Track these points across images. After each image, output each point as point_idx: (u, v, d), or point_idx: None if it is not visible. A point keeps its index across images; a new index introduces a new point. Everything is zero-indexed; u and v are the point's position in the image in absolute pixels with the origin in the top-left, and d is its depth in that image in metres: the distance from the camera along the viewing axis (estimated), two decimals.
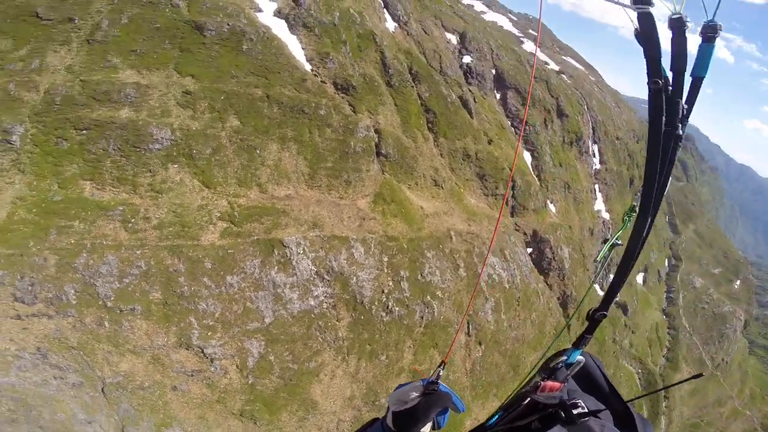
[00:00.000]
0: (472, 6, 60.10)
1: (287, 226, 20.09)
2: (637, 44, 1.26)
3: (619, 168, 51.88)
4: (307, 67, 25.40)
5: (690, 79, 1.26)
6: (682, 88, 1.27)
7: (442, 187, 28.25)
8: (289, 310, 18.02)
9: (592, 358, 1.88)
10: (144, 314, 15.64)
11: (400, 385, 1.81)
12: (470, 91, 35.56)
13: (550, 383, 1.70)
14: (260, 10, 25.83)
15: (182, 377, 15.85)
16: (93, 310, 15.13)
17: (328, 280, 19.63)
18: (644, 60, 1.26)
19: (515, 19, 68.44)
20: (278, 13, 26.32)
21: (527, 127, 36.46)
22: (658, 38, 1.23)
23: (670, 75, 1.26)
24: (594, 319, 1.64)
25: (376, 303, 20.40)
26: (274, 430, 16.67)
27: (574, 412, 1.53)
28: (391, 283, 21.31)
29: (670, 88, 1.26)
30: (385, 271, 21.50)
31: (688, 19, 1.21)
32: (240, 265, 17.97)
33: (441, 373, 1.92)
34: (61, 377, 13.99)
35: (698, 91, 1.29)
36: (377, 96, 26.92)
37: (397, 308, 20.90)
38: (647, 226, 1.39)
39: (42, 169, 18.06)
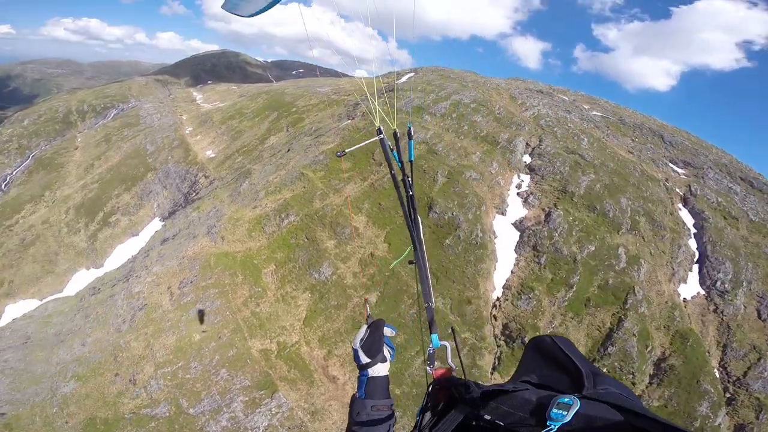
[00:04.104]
0: None
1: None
2: None
3: None
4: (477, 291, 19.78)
5: (408, 162, 2.42)
6: (406, 169, 2.35)
7: None
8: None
9: (553, 338, 1.79)
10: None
11: (354, 338, 2.07)
12: None
13: (438, 370, 1.89)
14: (503, 213, 21.76)
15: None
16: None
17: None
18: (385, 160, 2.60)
19: None
20: (517, 224, 21.29)
21: None
22: (390, 150, 2.37)
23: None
24: (429, 308, 2.32)
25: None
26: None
27: (466, 392, 1.57)
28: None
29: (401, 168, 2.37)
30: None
31: (412, 131, 2.45)
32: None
33: (368, 308, 2.48)
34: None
35: (412, 169, 2.35)
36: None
37: None
38: (420, 249, 2.37)
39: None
